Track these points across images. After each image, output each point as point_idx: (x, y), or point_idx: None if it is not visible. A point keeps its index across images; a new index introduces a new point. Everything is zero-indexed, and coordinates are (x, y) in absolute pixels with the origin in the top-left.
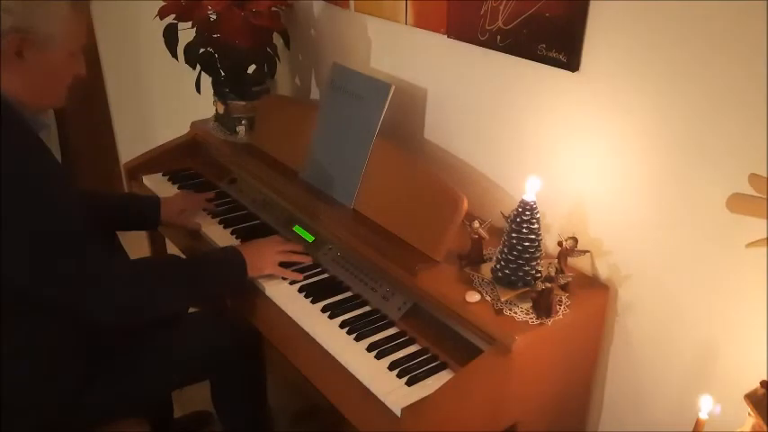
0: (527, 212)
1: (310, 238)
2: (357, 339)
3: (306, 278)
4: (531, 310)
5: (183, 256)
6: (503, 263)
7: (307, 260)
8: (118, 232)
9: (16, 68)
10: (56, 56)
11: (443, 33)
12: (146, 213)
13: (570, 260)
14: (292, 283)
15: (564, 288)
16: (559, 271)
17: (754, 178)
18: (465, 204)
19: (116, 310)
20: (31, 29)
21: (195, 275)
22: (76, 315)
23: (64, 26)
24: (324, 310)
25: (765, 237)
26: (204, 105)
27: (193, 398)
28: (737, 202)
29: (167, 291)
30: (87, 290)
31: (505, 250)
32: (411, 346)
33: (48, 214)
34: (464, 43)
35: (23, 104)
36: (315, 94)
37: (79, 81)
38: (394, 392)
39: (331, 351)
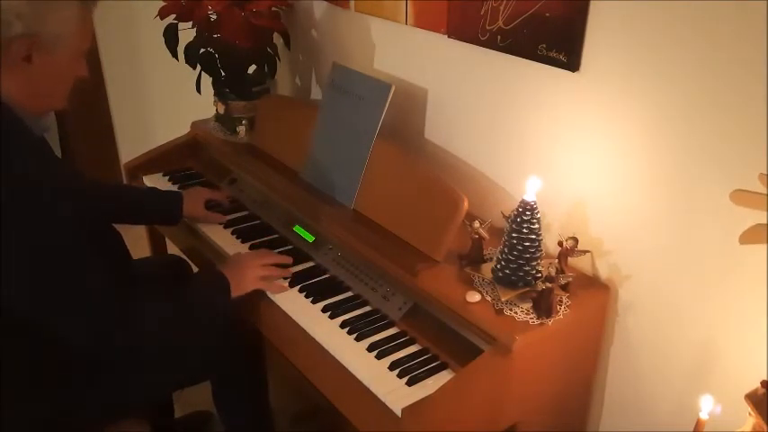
0: (527, 212)
1: (310, 238)
2: (357, 339)
3: (306, 278)
4: (531, 310)
5: (184, 257)
6: (503, 263)
7: (287, 273)
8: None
9: (21, 72)
10: (62, 58)
11: (444, 33)
12: (168, 208)
13: (571, 260)
14: (292, 283)
15: (564, 288)
16: (560, 271)
17: (736, 194)
18: (465, 204)
19: (94, 338)
20: (40, 33)
21: (181, 307)
22: (50, 335)
23: (73, 28)
24: (324, 310)
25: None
26: (204, 105)
27: (193, 398)
28: (752, 234)
29: (152, 327)
30: (67, 317)
31: (506, 250)
32: (411, 346)
33: (42, 233)
34: (464, 43)
35: (24, 108)
36: (315, 94)
37: (80, 82)
38: (394, 392)
39: (331, 351)
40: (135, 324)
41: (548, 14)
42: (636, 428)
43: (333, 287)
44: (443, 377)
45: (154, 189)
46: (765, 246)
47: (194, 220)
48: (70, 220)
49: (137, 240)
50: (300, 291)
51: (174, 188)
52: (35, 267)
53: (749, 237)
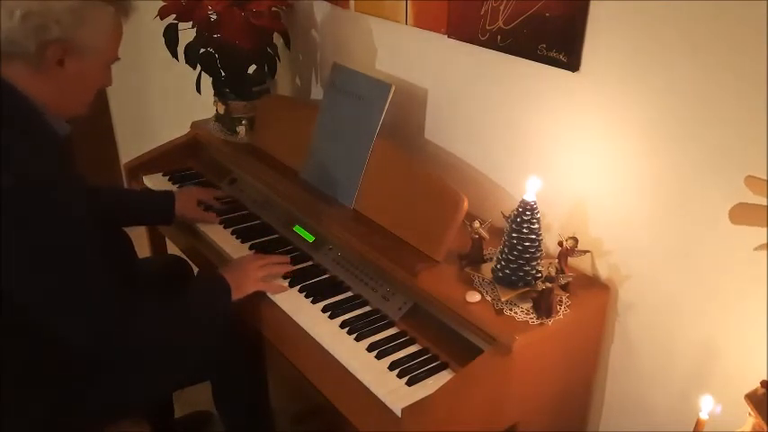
0: (527, 212)
1: (310, 238)
2: (357, 339)
3: (306, 278)
4: (531, 310)
5: (184, 257)
6: (503, 263)
7: (285, 270)
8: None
9: (52, 76)
10: (92, 65)
11: (444, 33)
12: (160, 208)
13: (571, 260)
14: (292, 283)
15: (564, 288)
16: (560, 271)
17: (751, 180)
18: (465, 204)
19: (94, 337)
20: (76, 38)
21: (181, 309)
22: (50, 335)
23: (106, 36)
24: (324, 310)
25: None
26: (204, 105)
27: (193, 398)
28: (740, 213)
29: (152, 328)
30: (67, 317)
31: (506, 250)
32: (411, 347)
33: (44, 232)
34: (464, 43)
35: (50, 109)
36: (315, 94)
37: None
38: (394, 392)
39: (331, 351)
40: (135, 324)
41: (548, 14)
42: (636, 428)
43: (333, 287)
44: (443, 377)
45: (146, 190)
46: (765, 245)
47: (186, 219)
48: (74, 220)
49: (137, 240)
50: (300, 291)
51: (174, 188)
52: (35, 266)
53: (738, 216)
